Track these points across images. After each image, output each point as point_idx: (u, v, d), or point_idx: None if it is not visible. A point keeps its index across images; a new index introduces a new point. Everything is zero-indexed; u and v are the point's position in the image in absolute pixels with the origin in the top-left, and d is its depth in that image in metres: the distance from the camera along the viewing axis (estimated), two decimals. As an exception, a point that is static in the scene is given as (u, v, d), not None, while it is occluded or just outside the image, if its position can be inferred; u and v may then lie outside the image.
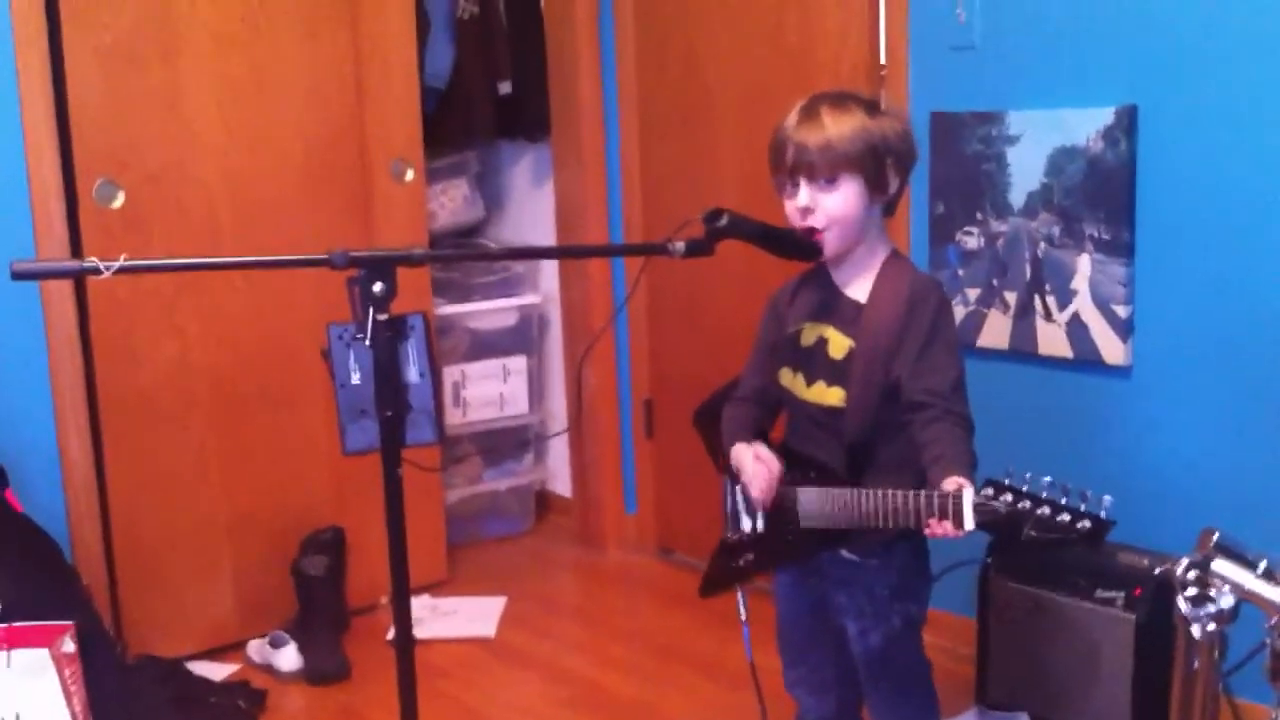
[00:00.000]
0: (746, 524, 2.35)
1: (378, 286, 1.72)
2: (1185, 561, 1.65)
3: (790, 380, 2.29)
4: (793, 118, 2.16)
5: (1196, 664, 1.68)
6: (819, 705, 2.44)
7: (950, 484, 1.95)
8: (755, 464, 2.24)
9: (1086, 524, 1.85)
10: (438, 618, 3.69)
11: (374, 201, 3.70)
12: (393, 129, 3.73)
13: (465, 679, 3.35)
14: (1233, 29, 2.62)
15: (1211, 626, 1.63)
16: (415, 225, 3.82)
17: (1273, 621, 1.60)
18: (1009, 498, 1.88)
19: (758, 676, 2.41)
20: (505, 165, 4.65)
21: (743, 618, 2.41)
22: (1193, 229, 2.72)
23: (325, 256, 1.72)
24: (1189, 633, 1.65)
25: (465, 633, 3.63)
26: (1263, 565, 1.61)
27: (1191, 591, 1.64)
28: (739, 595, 2.43)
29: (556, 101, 4.20)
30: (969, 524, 1.91)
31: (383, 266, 1.73)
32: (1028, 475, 1.90)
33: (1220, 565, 1.62)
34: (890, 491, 2.04)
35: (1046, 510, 1.87)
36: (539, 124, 4.29)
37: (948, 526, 1.95)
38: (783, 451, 2.27)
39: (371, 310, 1.71)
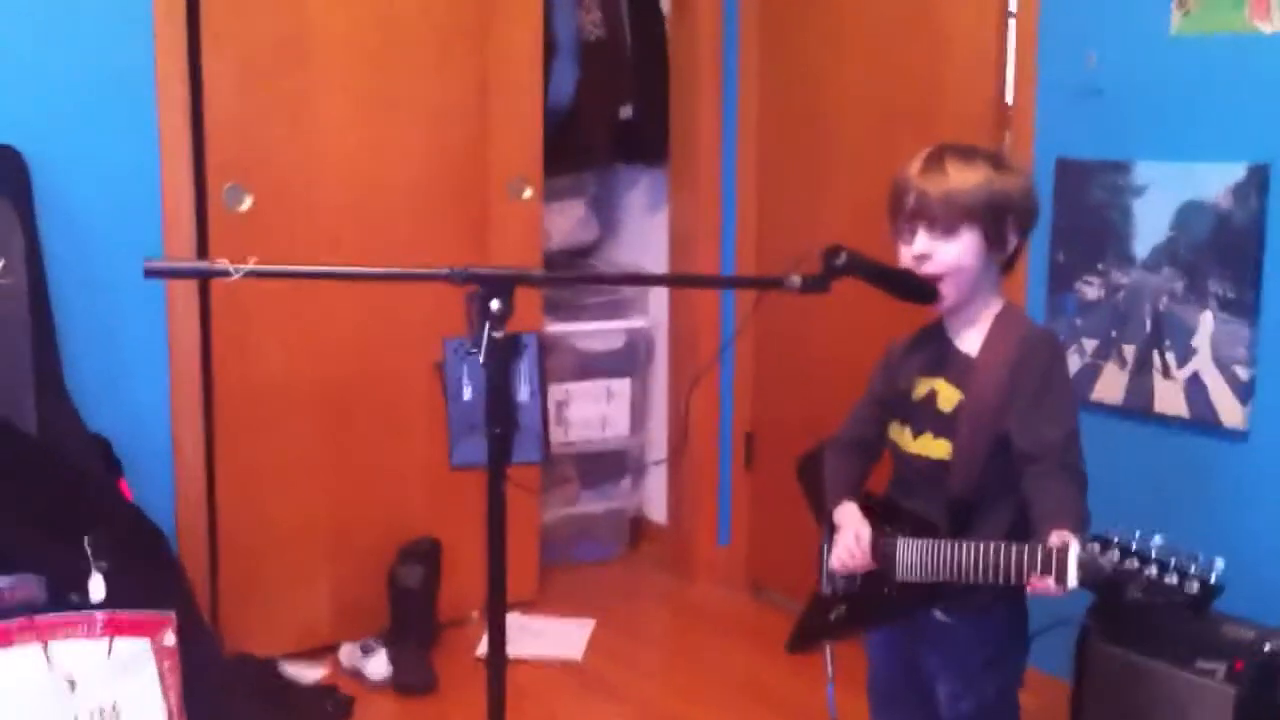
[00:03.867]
0: (839, 578, 2.31)
1: (495, 304, 1.73)
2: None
3: (897, 433, 2.27)
4: (916, 165, 2.14)
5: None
6: None
7: (1056, 539, 1.90)
8: (852, 542, 2.22)
9: (1195, 587, 1.78)
10: (526, 637, 3.70)
11: (491, 218, 3.74)
12: (514, 148, 3.77)
13: (549, 701, 3.36)
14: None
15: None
16: (531, 244, 3.85)
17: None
18: (1115, 556, 1.82)
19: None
20: (622, 189, 4.67)
21: (829, 675, 2.38)
22: (1322, 293, 2.65)
23: (446, 272, 1.74)
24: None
25: (553, 654, 3.64)
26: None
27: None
28: (827, 652, 2.39)
29: (676, 128, 4.22)
30: (1073, 581, 1.85)
31: (501, 285, 1.74)
32: (1136, 533, 1.84)
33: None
34: (993, 543, 1.99)
35: (1154, 571, 1.79)
36: (657, 149, 4.31)
37: (1050, 583, 1.89)
38: (885, 504, 2.24)
39: (488, 327, 1.72)
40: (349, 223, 3.48)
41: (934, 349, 2.25)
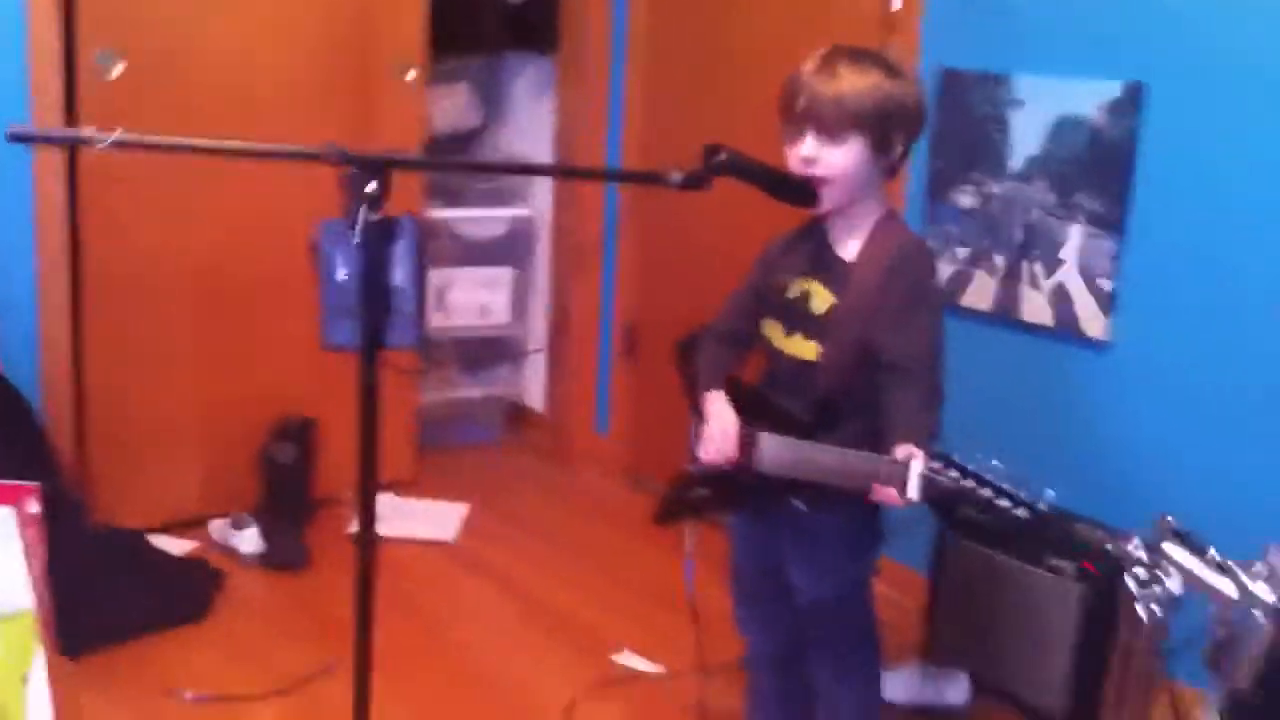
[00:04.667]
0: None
1: (370, 186, 1.70)
2: (1136, 541, 1.69)
3: (770, 329, 2.30)
4: (809, 66, 2.14)
5: (1138, 642, 1.71)
6: (768, 643, 2.48)
7: (901, 452, 1.98)
8: (718, 435, 2.26)
9: (1023, 513, 1.88)
10: (400, 517, 3.73)
11: (375, 98, 3.68)
12: (399, 29, 3.70)
13: (421, 580, 3.40)
14: (1246, 19, 2.61)
15: (1156, 608, 1.67)
16: (415, 126, 3.80)
17: (1216, 611, 1.64)
18: (955, 474, 1.91)
19: (696, 611, 2.45)
20: (509, 76, 4.61)
21: (688, 553, 2.43)
22: (1186, 211, 2.73)
23: (319, 151, 1.70)
24: (1133, 611, 1.69)
25: (426, 534, 3.68)
26: (1212, 554, 1.65)
27: (1140, 572, 1.68)
28: (687, 531, 2.45)
29: (566, 17, 4.17)
30: (913, 494, 1.94)
31: (376, 166, 1.72)
32: (979, 456, 1.93)
33: (1171, 550, 1.66)
34: (846, 451, 2.06)
35: (988, 493, 1.89)
36: (547, 38, 4.25)
37: (892, 494, 1.98)
38: (756, 395, 2.28)
39: (362, 209, 1.70)
40: (227, 98, 3.39)
41: (812, 250, 2.27)
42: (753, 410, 2.26)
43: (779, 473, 2.19)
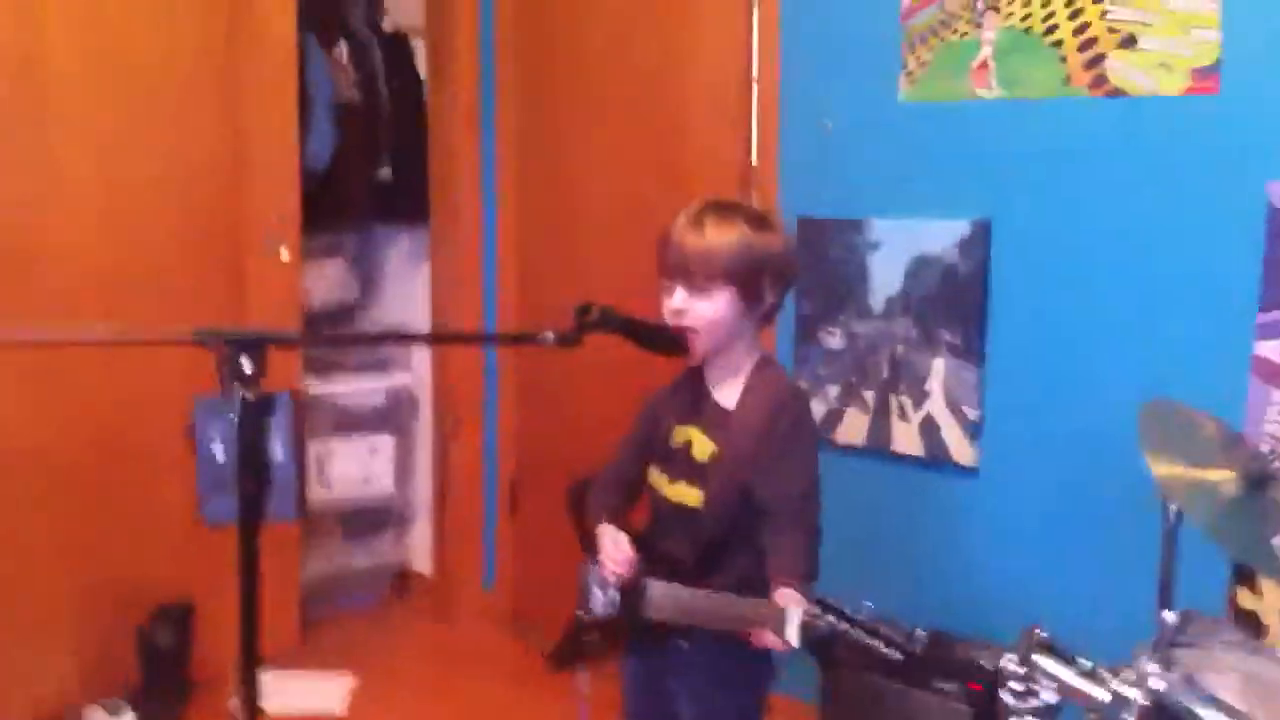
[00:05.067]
0: (597, 603, 2.39)
1: (246, 365, 1.72)
2: (1009, 655, 1.74)
3: (656, 477, 2.36)
4: (680, 220, 2.23)
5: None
6: None
7: (781, 598, 2.03)
8: (613, 548, 2.29)
9: (896, 655, 1.92)
10: (285, 692, 3.63)
11: (249, 276, 3.70)
12: (271, 205, 3.74)
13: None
14: (1075, 156, 2.78)
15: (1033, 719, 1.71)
16: (290, 302, 3.82)
17: (1091, 717, 1.69)
18: (832, 618, 1.95)
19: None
20: (382, 247, 4.67)
21: (583, 694, 2.44)
22: (1039, 338, 2.86)
23: (190, 336, 1.72)
24: (1012, 725, 1.73)
25: (312, 708, 3.61)
26: (1081, 663, 1.70)
27: (1015, 686, 1.72)
28: (581, 673, 2.46)
29: (435, 188, 4.26)
30: (792, 639, 1.98)
31: (250, 345, 1.74)
32: (856, 591, 1.96)
33: (1042, 661, 1.71)
34: (729, 597, 2.12)
35: (863, 635, 1.92)
36: (417, 209, 4.33)
37: (773, 639, 2.03)
38: (642, 543, 2.32)
39: (238, 388, 1.72)
40: (93, 279, 3.37)
41: (692, 398, 2.34)
42: (642, 557, 2.29)
43: (666, 618, 2.23)
